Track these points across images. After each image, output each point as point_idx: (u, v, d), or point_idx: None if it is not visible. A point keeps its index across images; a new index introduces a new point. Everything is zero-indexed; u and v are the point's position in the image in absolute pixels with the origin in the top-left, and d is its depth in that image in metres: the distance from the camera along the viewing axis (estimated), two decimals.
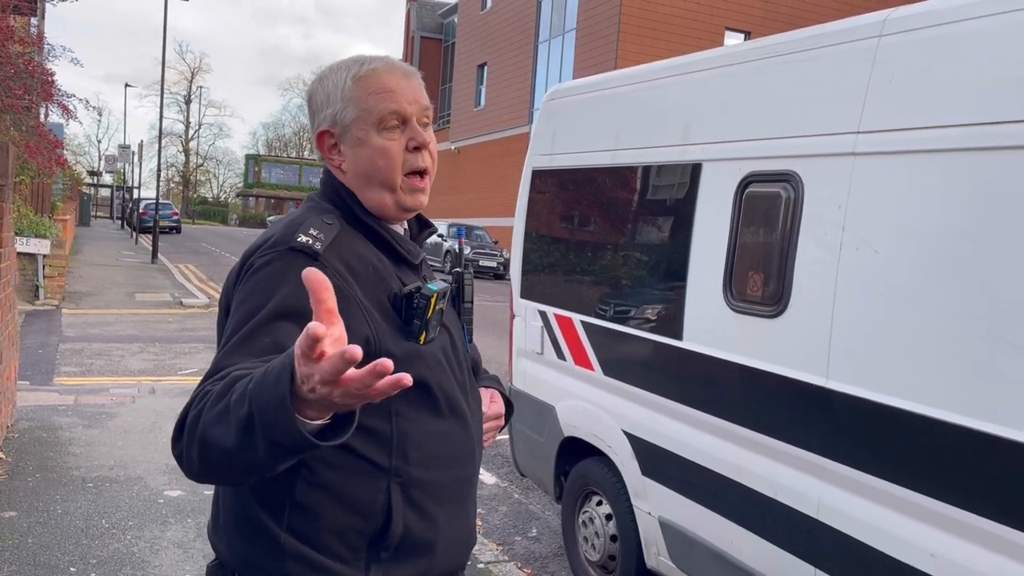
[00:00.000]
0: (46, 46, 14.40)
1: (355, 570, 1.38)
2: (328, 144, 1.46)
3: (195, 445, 1.15)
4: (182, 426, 1.19)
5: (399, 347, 1.37)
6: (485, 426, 1.62)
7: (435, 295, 1.39)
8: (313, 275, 1.01)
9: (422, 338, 1.40)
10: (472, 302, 1.64)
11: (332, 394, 1.01)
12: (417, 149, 1.43)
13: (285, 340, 1.21)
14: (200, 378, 1.27)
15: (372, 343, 1.35)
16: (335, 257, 1.35)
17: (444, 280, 1.51)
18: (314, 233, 1.36)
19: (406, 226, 1.56)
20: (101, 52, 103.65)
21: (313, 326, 0.96)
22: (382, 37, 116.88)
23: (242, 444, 1.09)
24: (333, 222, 1.40)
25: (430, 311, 1.39)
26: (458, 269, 1.65)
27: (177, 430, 1.21)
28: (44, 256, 12.47)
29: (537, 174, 4.32)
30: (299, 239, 1.34)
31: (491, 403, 1.66)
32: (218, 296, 10.98)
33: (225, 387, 1.15)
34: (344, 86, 1.43)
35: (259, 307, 1.28)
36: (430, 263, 1.63)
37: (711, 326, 3.05)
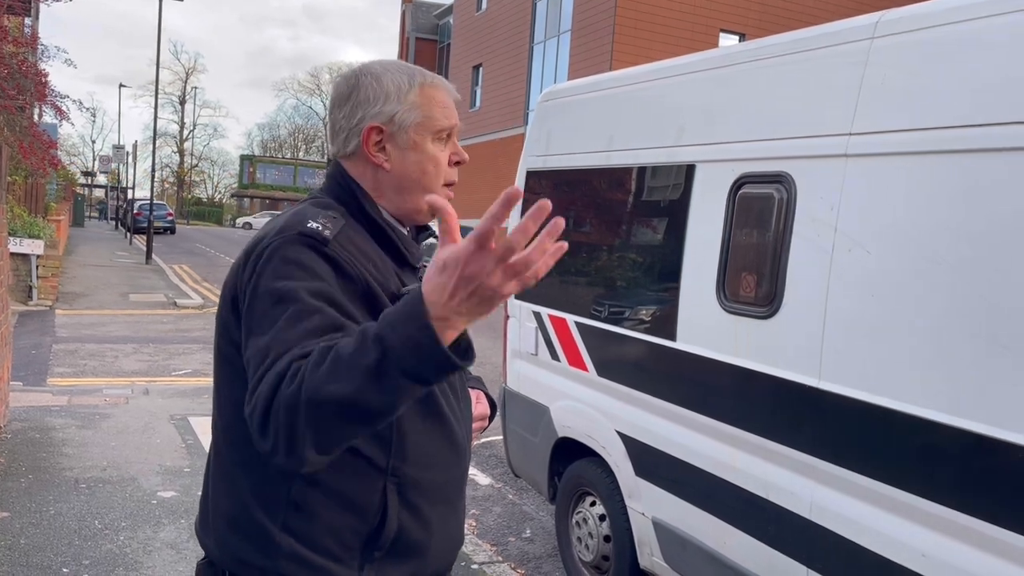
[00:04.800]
0: (40, 47, 14.36)
1: (349, 569, 1.39)
2: (374, 139, 1.47)
3: (299, 415, 1.12)
4: (268, 411, 1.16)
5: None
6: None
7: None
8: (435, 199, 1.11)
9: None
10: None
11: (495, 283, 1.05)
12: (457, 164, 1.51)
13: (333, 319, 1.24)
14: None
15: None
16: (342, 248, 1.36)
17: None
18: (323, 221, 1.37)
19: (407, 228, 1.57)
20: (91, 54, 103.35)
21: (507, 196, 1.02)
22: (371, 40, 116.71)
23: (368, 389, 1.09)
24: (337, 217, 1.41)
25: None
26: None
27: (262, 419, 1.16)
28: (38, 257, 12.43)
29: (531, 175, 4.33)
30: (309, 225, 1.35)
31: (476, 403, 1.68)
32: (213, 297, 11.01)
33: (320, 355, 1.14)
34: (409, 89, 1.46)
35: (292, 286, 1.27)
36: (426, 265, 1.63)
37: (704, 327, 3.06)
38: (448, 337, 1.10)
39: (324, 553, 1.37)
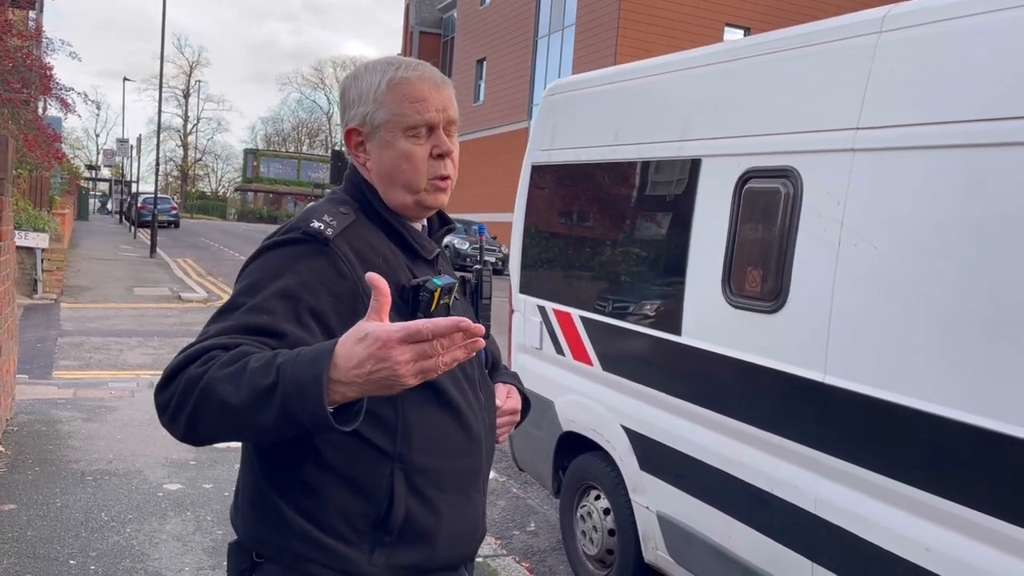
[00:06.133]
0: (44, 40, 14.37)
1: (359, 552, 1.42)
2: (355, 141, 1.52)
3: (192, 395, 1.22)
4: (174, 375, 1.25)
5: None
6: (499, 421, 1.65)
7: (439, 289, 1.43)
8: (375, 278, 1.15)
9: None
10: (490, 298, 1.67)
11: (402, 373, 1.13)
12: (440, 156, 1.49)
13: (281, 325, 1.31)
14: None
15: None
16: (345, 244, 1.41)
17: (454, 276, 1.54)
18: (327, 219, 1.42)
19: (425, 222, 1.60)
20: (94, 48, 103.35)
21: (466, 323, 1.12)
22: (372, 34, 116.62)
23: (251, 407, 1.18)
24: (348, 212, 1.46)
25: (434, 304, 1.43)
26: (478, 266, 1.69)
27: (167, 378, 1.26)
28: (42, 250, 12.47)
29: (536, 169, 4.32)
30: (312, 224, 1.40)
31: (507, 398, 1.68)
32: (217, 290, 10.98)
33: (236, 355, 1.23)
34: (378, 88, 1.47)
35: (263, 284, 1.35)
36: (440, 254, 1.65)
37: (710, 321, 3.06)
38: (339, 398, 1.16)
39: (335, 535, 1.40)
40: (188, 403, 1.22)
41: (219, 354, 1.24)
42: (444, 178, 1.50)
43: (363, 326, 1.15)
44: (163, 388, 1.27)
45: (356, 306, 1.38)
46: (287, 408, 1.16)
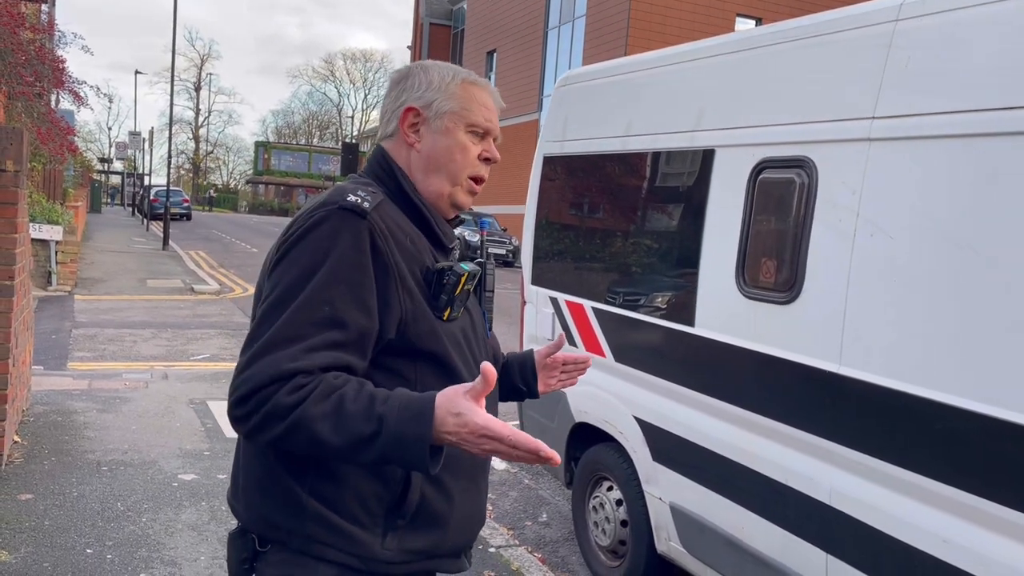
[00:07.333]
0: (56, 33, 14.42)
1: (372, 536, 1.44)
2: (410, 120, 1.56)
3: (280, 424, 1.29)
4: (253, 393, 1.31)
5: (425, 321, 1.45)
6: (567, 356, 1.92)
7: (466, 274, 1.47)
8: (488, 370, 1.23)
9: (446, 314, 1.47)
10: (493, 291, 1.71)
11: (477, 451, 1.28)
12: (487, 161, 1.59)
13: (342, 312, 1.35)
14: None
15: (402, 322, 1.42)
16: (380, 219, 1.43)
17: (474, 265, 1.58)
18: (362, 195, 1.44)
19: None
20: (104, 41, 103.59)
21: (541, 448, 1.24)
22: (380, 26, 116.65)
23: (350, 448, 1.29)
24: (377, 192, 1.48)
25: (458, 288, 1.47)
26: (481, 259, 1.74)
27: (245, 396, 1.31)
28: (56, 242, 12.53)
29: (548, 160, 4.32)
30: (348, 198, 1.42)
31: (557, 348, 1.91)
32: (229, 283, 10.93)
33: (326, 390, 1.30)
34: (452, 82, 1.56)
35: (313, 270, 1.37)
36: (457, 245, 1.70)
37: (724, 312, 3.05)
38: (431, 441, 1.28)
39: (349, 518, 1.42)
40: (276, 429, 1.30)
41: (303, 382, 1.30)
42: (480, 180, 1.59)
43: (460, 403, 1.25)
44: (241, 403, 1.32)
45: (388, 282, 1.40)
46: (388, 457, 1.28)
